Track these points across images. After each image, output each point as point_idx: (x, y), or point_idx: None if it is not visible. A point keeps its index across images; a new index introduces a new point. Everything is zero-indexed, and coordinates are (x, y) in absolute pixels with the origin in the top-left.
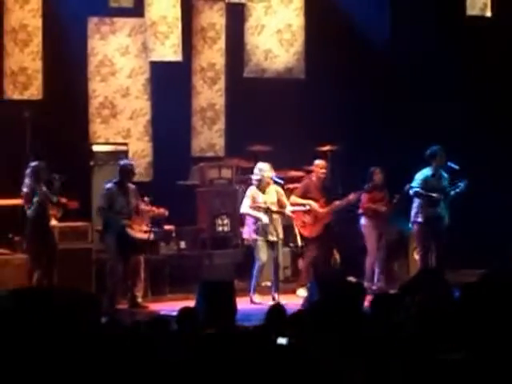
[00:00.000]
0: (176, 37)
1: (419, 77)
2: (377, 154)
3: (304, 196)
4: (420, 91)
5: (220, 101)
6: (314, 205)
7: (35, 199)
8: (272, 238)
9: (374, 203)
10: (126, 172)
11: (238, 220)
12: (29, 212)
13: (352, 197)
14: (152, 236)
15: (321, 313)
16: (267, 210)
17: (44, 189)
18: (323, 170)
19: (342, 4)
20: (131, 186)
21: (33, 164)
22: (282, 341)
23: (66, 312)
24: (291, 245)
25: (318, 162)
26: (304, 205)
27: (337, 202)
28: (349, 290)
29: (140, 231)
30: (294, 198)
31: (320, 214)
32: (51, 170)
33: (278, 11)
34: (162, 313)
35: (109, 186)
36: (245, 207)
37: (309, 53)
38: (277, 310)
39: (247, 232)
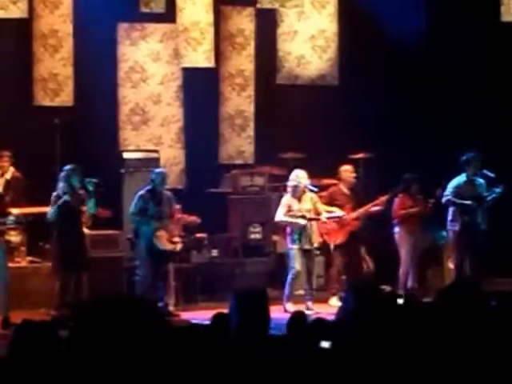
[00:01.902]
0: (208, 43)
1: (454, 83)
2: (411, 162)
3: (330, 203)
4: (455, 97)
5: (249, 108)
6: (340, 212)
7: (59, 202)
8: (306, 247)
9: (404, 210)
10: (160, 180)
11: (271, 228)
12: (49, 215)
13: (378, 202)
14: (179, 247)
15: (355, 322)
16: (303, 217)
17: (81, 192)
18: (352, 175)
19: (376, 10)
20: (166, 193)
21: (66, 167)
22: (325, 344)
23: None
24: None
25: (345, 167)
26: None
27: (362, 209)
28: (382, 299)
29: (168, 241)
30: (320, 205)
31: (345, 220)
32: (84, 176)
33: (311, 17)
34: (194, 321)
35: (141, 192)
36: (279, 215)
37: (342, 59)
38: (298, 318)
39: (283, 240)
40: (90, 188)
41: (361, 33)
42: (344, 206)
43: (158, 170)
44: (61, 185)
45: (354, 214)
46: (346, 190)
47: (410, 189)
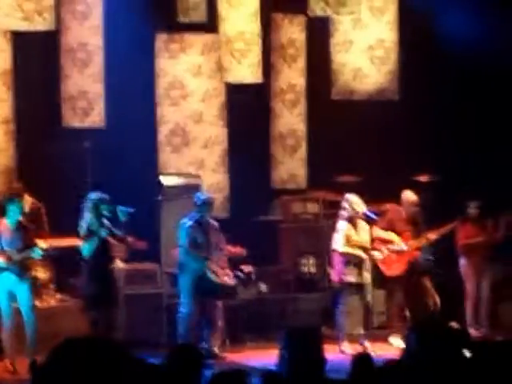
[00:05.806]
0: (255, 55)
1: None
2: (479, 185)
3: (388, 228)
4: None
5: (301, 126)
6: (399, 242)
7: (95, 236)
8: (362, 281)
9: (470, 239)
10: (207, 207)
11: (326, 260)
12: (85, 250)
13: (442, 230)
14: (234, 281)
15: (419, 364)
16: (363, 249)
17: (107, 223)
18: (413, 201)
19: (439, 17)
20: (212, 223)
21: (92, 196)
22: None
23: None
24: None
25: (407, 192)
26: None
27: (423, 238)
28: (451, 338)
29: (223, 274)
30: (375, 230)
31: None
32: (115, 203)
33: (369, 25)
34: (242, 364)
35: (189, 223)
36: (341, 245)
37: (403, 72)
38: (363, 360)
39: (335, 273)
40: (123, 218)
41: (423, 42)
42: (402, 234)
43: (204, 197)
44: (87, 215)
45: (414, 243)
46: (406, 216)
47: (468, 215)
